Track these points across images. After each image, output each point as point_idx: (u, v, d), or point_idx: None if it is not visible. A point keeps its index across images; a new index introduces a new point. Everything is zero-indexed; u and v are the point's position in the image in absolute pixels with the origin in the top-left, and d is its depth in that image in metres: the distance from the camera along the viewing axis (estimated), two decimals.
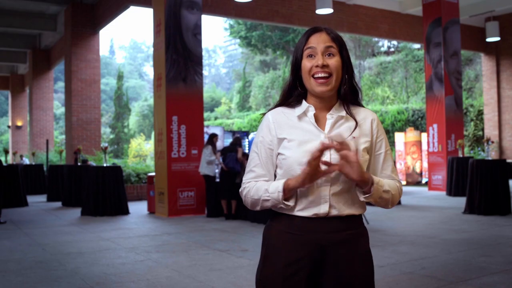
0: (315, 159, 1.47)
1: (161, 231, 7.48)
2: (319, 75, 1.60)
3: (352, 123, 1.64)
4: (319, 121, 1.65)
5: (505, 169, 8.64)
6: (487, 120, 18.14)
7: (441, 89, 13.33)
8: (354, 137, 1.62)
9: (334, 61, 1.61)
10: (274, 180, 1.65)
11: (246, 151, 14.96)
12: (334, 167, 1.50)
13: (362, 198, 1.59)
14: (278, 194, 1.57)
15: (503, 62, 17.76)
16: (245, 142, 15.21)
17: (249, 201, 1.66)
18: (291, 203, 1.59)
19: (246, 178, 1.69)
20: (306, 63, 1.63)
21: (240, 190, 1.72)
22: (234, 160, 8.67)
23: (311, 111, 1.64)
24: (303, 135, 1.61)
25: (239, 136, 9.46)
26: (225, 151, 8.88)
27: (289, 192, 1.56)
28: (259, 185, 1.63)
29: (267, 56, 34.31)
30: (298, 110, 1.66)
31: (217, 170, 9.52)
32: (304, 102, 1.67)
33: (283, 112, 1.69)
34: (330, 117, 1.64)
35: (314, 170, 1.49)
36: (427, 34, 13.67)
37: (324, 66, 1.59)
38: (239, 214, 8.54)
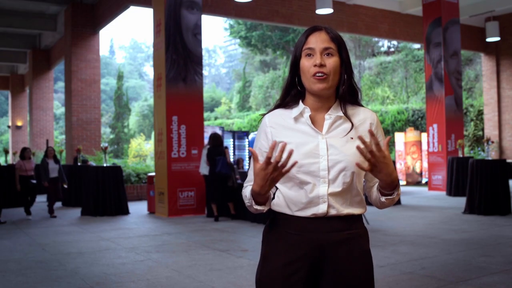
0: (262, 169, 1.46)
1: (161, 231, 7.48)
2: (317, 75, 1.60)
3: (350, 124, 1.64)
4: (316, 122, 1.64)
5: (505, 169, 8.65)
6: (487, 120, 18.13)
7: (441, 89, 13.33)
8: (351, 138, 1.61)
9: (332, 61, 1.61)
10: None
11: (246, 152, 14.97)
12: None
13: (383, 199, 1.59)
14: (250, 200, 1.60)
15: (503, 62, 17.75)
16: (245, 142, 15.20)
17: (246, 206, 1.69)
18: (264, 207, 1.60)
19: (245, 182, 1.72)
20: (305, 62, 1.62)
21: None
22: (226, 165, 8.43)
23: (307, 112, 1.63)
24: (300, 137, 1.61)
25: (216, 135, 8.83)
26: (212, 155, 8.46)
27: (257, 196, 1.56)
28: (246, 191, 1.65)
29: (267, 56, 34.29)
30: (295, 111, 1.66)
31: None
32: (300, 103, 1.66)
33: (280, 114, 1.69)
34: (328, 117, 1.63)
35: (263, 176, 1.48)
36: (427, 34, 13.67)
37: (322, 66, 1.59)
38: (239, 214, 8.54)
